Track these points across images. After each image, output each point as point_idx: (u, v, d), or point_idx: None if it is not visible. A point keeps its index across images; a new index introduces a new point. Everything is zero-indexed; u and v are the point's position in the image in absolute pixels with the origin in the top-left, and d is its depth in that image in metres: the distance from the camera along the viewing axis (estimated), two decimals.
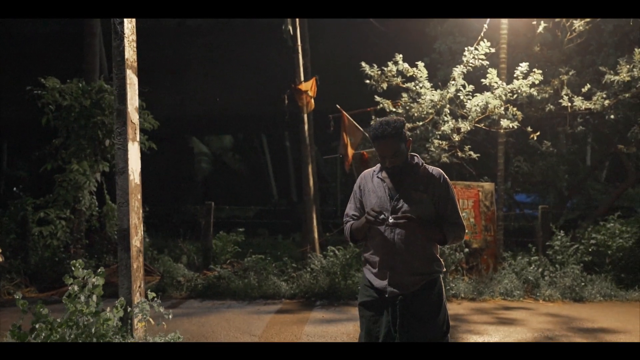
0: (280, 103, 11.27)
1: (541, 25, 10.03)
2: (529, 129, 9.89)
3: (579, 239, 10.17)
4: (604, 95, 9.88)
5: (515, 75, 9.63)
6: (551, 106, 10.38)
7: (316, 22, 11.81)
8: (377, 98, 10.12)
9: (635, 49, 9.65)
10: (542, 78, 9.62)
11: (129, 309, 5.04)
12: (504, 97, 9.60)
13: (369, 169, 3.72)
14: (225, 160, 32.19)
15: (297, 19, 10.69)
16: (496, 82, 9.60)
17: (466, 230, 3.77)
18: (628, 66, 9.66)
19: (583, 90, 9.90)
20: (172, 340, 5.07)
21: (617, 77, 9.73)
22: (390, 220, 3.31)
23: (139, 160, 5.36)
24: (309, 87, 10.41)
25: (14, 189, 11.16)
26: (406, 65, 9.89)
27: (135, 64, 5.35)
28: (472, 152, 10.11)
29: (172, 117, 14.44)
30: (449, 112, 9.99)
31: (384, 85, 10.01)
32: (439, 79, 11.65)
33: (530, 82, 9.54)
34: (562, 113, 10.65)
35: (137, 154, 5.31)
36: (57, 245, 9.53)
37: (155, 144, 10.22)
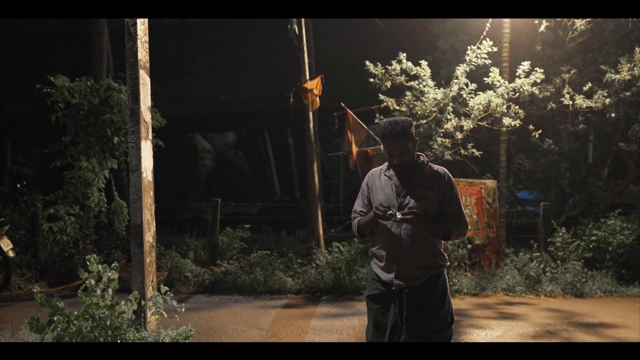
0: (284, 101, 11.41)
1: (543, 24, 10.15)
2: (531, 127, 10.03)
3: (580, 235, 10.31)
4: (605, 94, 10.01)
5: (517, 74, 9.76)
6: (553, 104, 10.52)
7: (319, 20, 11.94)
8: (381, 96, 10.25)
9: (636, 48, 9.78)
10: (543, 77, 9.74)
11: (143, 302, 5.19)
12: (506, 96, 9.73)
13: (377, 168, 3.86)
14: (228, 157, 32.35)
15: (303, 19, 10.82)
16: (498, 81, 9.73)
17: (469, 227, 3.92)
18: (629, 65, 9.80)
19: (584, 88, 10.04)
20: (184, 333, 5.22)
21: (617, 76, 9.87)
22: (398, 216, 3.46)
23: (151, 158, 5.51)
24: (314, 85, 10.55)
25: (18, 185, 11.32)
26: (410, 64, 10.02)
27: (148, 65, 5.49)
28: (474, 150, 10.24)
29: (176, 115, 14.53)
30: (452, 110, 10.12)
31: (388, 84, 10.14)
32: (441, 77, 11.78)
33: (532, 81, 9.67)
34: (563, 111, 10.78)
35: (149, 152, 5.46)
36: (67, 241, 9.68)
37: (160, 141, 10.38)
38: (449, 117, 10.02)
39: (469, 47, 9.93)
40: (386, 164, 3.78)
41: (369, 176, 3.86)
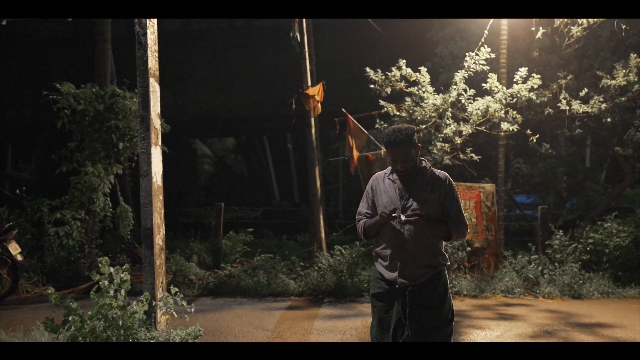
0: (284, 106, 11.58)
1: (540, 30, 10.34)
2: (529, 131, 10.22)
3: (577, 238, 10.48)
4: (601, 99, 10.20)
5: (514, 80, 9.96)
6: (550, 109, 10.71)
7: (318, 26, 12.12)
8: (382, 102, 10.44)
9: (631, 54, 9.99)
10: (540, 82, 9.94)
11: (154, 302, 5.35)
12: (504, 101, 9.93)
13: (380, 172, 4.05)
14: (227, 162, 32.50)
15: (304, 26, 11.01)
16: (496, 87, 9.93)
17: (468, 230, 4.10)
18: (624, 71, 10.00)
19: (581, 94, 10.23)
20: (193, 333, 5.39)
21: (613, 82, 10.06)
22: (402, 218, 3.66)
23: (160, 164, 5.68)
24: (316, 91, 10.72)
25: (17, 191, 11.47)
26: (409, 70, 10.21)
27: (157, 73, 5.67)
28: (473, 154, 10.43)
29: (176, 120, 14.70)
30: (451, 115, 10.32)
31: (388, 90, 10.34)
32: (440, 83, 11.97)
33: (529, 87, 9.86)
34: (560, 116, 10.95)
35: (159, 158, 5.64)
36: (73, 245, 9.83)
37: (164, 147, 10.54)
38: (448, 122, 10.21)
39: (467, 54, 10.13)
40: (389, 168, 3.97)
41: (373, 180, 4.05)
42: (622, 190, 13.89)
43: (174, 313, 5.38)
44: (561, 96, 10.39)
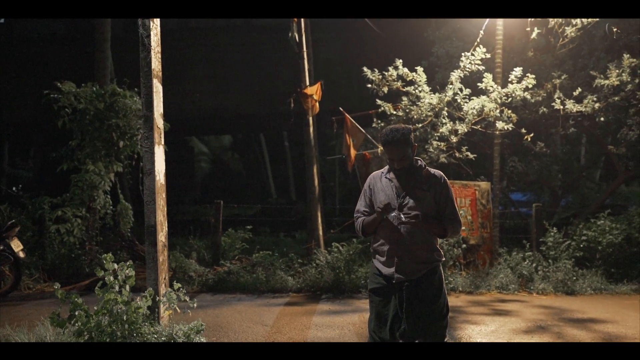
0: (281, 104, 11.70)
1: (535, 31, 10.48)
2: (523, 130, 10.36)
3: (570, 235, 10.64)
4: (595, 99, 10.36)
5: (510, 80, 10.10)
6: (544, 109, 10.87)
7: (315, 26, 12.23)
8: (379, 102, 10.57)
9: (624, 55, 10.15)
10: (535, 82, 10.08)
11: (158, 298, 5.49)
12: (499, 101, 10.07)
13: (378, 171, 4.20)
14: (224, 159, 32.61)
15: (303, 26, 11.14)
16: (492, 86, 10.07)
17: (463, 227, 4.26)
18: (617, 71, 10.17)
19: (575, 93, 10.38)
20: (195, 328, 5.52)
21: (607, 81, 10.22)
22: (403, 218, 3.80)
23: (163, 162, 5.80)
24: (314, 91, 10.85)
25: (13, 188, 11.56)
26: (406, 70, 10.34)
27: (160, 74, 5.79)
28: (469, 153, 10.57)
29: (173, 118, 14.77)
30: (446, 114, 10.47)
31: (385, 89, 10.46)
32: (436, 82, 12.09)
33: (524, 86, 10.01)
34: (555, 115, 11.12)
35: (162, 156, 5.76)
36: (74, 242, 9.94)
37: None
38: (444, 121, 10.35)
39: (463, 54, 10.26)
40: (387, 167, 4.11)
41: (371, 178, 4.20)
42: (616, 188, 14.06)
43: (177, 308, 5.51)
44: (555, 95, 10.54)
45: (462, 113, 10.34)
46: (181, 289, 5.48)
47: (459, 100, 10.26)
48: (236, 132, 31.16)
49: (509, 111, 10.19)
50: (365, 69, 10.44)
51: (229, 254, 10.80)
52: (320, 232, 11.06)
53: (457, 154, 10.64)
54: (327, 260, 9.55)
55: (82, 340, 4.89)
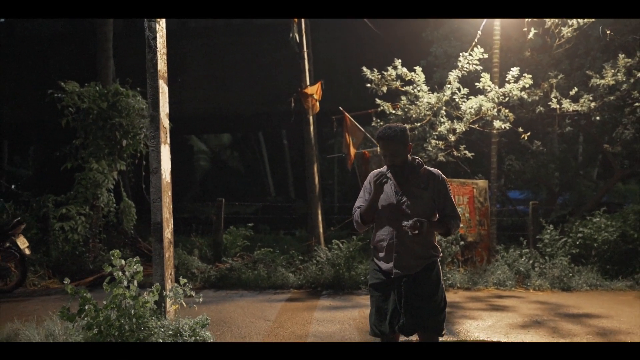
0: (282, 103, 11.84)
1: (532, 31, 10.64)
2: (520, 129, 10.53)
3: (567, 232, 10.81)
4: (591, 98, 10.52)
5: (507, 79, 10.26)
6: (541, 108, 11.04)
7: (315, 25, 12.36)
8: (378, 101, 10.73)
9: (620, 55, 10.31)
10: (532, 82, 10.24)
11: (164, 293, 5.64)
12: (496, 100, 10.23)
13: (378, 169, 4.35)
14: (223, 158, 32.71)
15: (303, 27, 11.28)
16: (489, 86, 10.23)
17: (461, 225, 4.42)
18: (613, 71, 10.34)
19: (571, 93, 10.53)
20: (201, 322, 5.67)
21: (602, 81, 10.39)
22: (409, 224, 3.94)
23: (169, 161, 5.95)
24: (314, 90, 11.01)
25: (12, 186, 11.71)
26: (405, 69, 10.49)
27: (166, 75, 5.94)
28: (467, 152, 10.74)
29: (173, 116, 14.93)
30: (445, 113, 10.62)
31: (384, 89, 10.62)
32: (435, 81, 12.24)
33: (521, 86, 10.16)
34: (551, 114, 11.27)
35: (167, 155, 5.91)
36: (77, 240, 10.09)
37: None
38: (442, 120, 10.51)
39: (461, 54, 10.42)
40: (385, 166, 4.27)
41: (371, 176, 4.35)
42: (612, 186, 14.23)
43: (183, 303, 5.66)
44: (552, 95, 10.71)
45: (460, 112, 10.50)
46: (187, 284, 5.63)
47: (457, 100, 10.41)
48: (235, 131, 31.24)
49: (507, 110, 10.35)
50: (364, 68, 10.59)
51: (230, 251, 10.95)
52: (321, 230, 11.22)
53: (455, 153, 10.80)
54: (327, 257, 9.71)
55: (91, 334, 5.04)
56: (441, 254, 4.34)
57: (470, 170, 12.10)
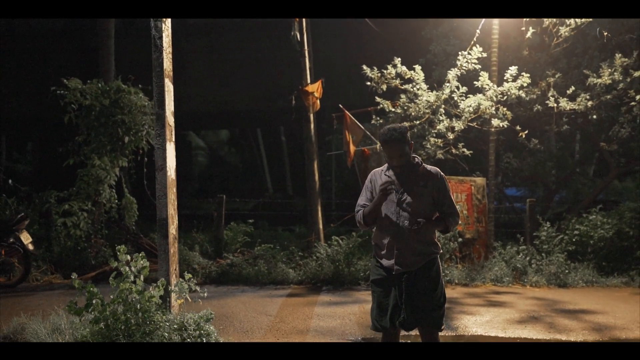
0: (280, 100, 11.93)
1: (530, 30, 10.74)
2: (518, 127, 10.64)
3: (563, 230, 10.93)
4: (588, 97, 10.64)
5: (505, 78, 10.37)
6: (539, 106, 11.16)
7: (314, 22, 12.41)
8: (378, 99, 10.83)
9: (617, 54, 10.44)
10: (530, 81, 10.35)
11: (170, 288, 5.75)
12: (494, 98, 10.35)
13: (378, 168, 4.47)
14: (221, 154, 32.80)
15: (304, 25, 11.37)
16: (488, 84, 10.34)
17: (460, 222, 4.53)
18: (610, 70, 10.46)
19: (568, 91, 10.64)
20: (205, 316, 5.78)
21: (599, 80, 10.51)
22: (414, 227, 4.06)
23: (174, 158, 6.05)
24: (315, 88, 11.10)
25: (10, 181, 11.78)
26: (404, 68, 10.60)
27: (171, 73, 6.03)
28: (465, 149, 10.86)
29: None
30: (444, 112, 10.73)
31: (384, 87, 10.72)
32: (434, 79, 12.35)
33: (519, 85, 10.27)
34: (549, 113, 11.39)
35: (173, 153, 6.00)
36: (80, 235, 10.17)
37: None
38: (441, 118, 10.63)
39: (460, 53, 10.52)
40: (386, 165, 4.39)
41: (372, 174, 4.47)
42: (608, 183, 14.37)
43: (188, 298, 5.78)
44: (549, 94, 10.83)
45: (458, 110, 10.61)
46: (192, 279, 5.74)
47: (455, 98, 10.52)
48: (233, 127, 31.34)
49: (505, 109, 10.47)
50: (364, 67, 10.69)
51: (231, 247, 11.05)
52: (321, 226, 11.34)
53: (453, 150, 10.91)
54: (327, 253, 9.81)
55: (97, 328, 5.14)
56: (441, 251, 4.46)
57: (468, 167, 12.22)
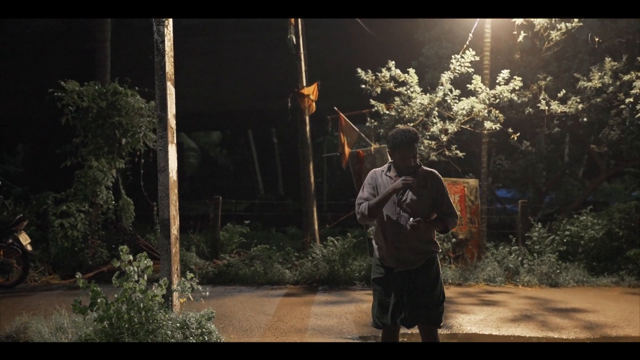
0: (279, 102, 12.02)
1: (522, 34, 10.92)
2: (510, 130, 10.85)
3: (554, 230, 11.11)
4: (578, 100, 10.82)
5: (497, 81, 10.54)
6: (530, 109, 11.33)
7: (308, 23, 12.49)
8: (372, 102, 10.98)
9: (606, 58, 10.64)
10: (521, 84, 10.52)
11: (172, 287, 5.86)
12: (487, 101, 10.52)
13: (377, 168, 4.58)
14: (212, 155, 32.81)
15: (300, 28, 11.49)
16: (480, 88, 10.51)
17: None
18: (599, 73, 10.65)
19: (559, 95, 10.84)
20: (206, 315, 5.89)
21: (589, 84, 10.70)
22: (409, 225, 4.18)
23: (175, 160, 6.15)
24: (311, 91, 11.24)
25: None
26: (398, 71, 10.75)
27: (173, 77, 6.14)
28: (458, 151, 11.01)
29: None
30: (437, 114, 10.89)
31: (378, 90, 10.88)
32: (427, 82, 12.47)
33: (511, 88, 10.45)
34: (540, 115, 11.55)
35: (174, 154, 6.11)
36: (77, 236, 10.25)
37: None
38: (434, 120, 10.78)
39: (453, 56, 10.68)
40: (386, 165, 4.50)
41: (373, 173, 4.55)
42: (598, 185, 14.58)
43: (190, 297, 5.88)
44: (541, 97, 11.02)
45: (452, 113, 10.76)
46: (194, 279, 5.86)
47: (449, 101, 10.68)
48: (225, 129, 31.37)
49: (497, 111, 10.64)
50: (359, 70, 10.83)
51: (227, 248, 11.16)
52: (316, 227, 11.47)
53: (446, 152, 11.05)
54: (322, 253, 9.94)
55: (101, 326, 5.24)
56: (440, 250, 4.59)
57: (461, 169, 12.36)
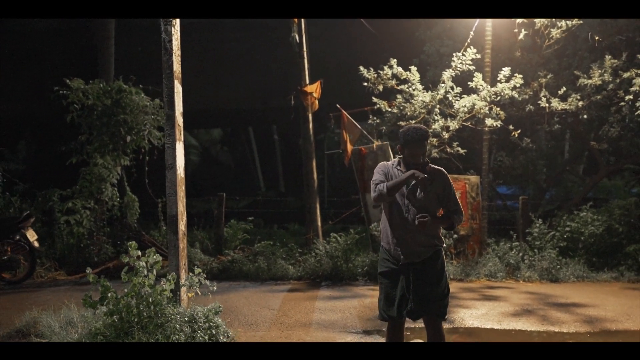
0: (276, 99, 12.11)
1: (522, 32, 11.01)
2: (511, 127, 10.94)
3: (555, 226, 11.21)
4: (578, 97, 10.92)
5: (498, 79, 10.64)
6: (531, 106, 11.43)
7: (309, 25, 12.57)
8: (375, 99, 11.09)
9: (606, 56, 10.73)
10: (522, 81, 10.64)
11: (181, 282, 5.97)
12: (488, 99, 10.62)
13: (387, 162, 4.71)
14: (213, 152, 32.88)
15: (303, 27, 11.58)
16: (481, 85, 10.61)
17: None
18: (599, 71, 10.74)
19: (560, 92, 10.93)
20: (214, 309, 6.01)
21: (590, 81, 10.79)
22: (416, 222, 4.29)
23: (183, 157, 6.27)
24: (314, 89, 11.33)
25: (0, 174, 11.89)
26: (400, 69, 10.86)
27: (180, 75, 6.25)
28: (459, 148, 11.12)
29: None
30: (439, 111, 10.98)
31: (380, 87, 10.99)
32: (428, 80, 12.54)
33: (512, 85, 10.55)
34: (540, 112, 11.64)
35: (182, 152, 6.23)
36: (82, 233, 10.36)
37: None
38: (436, 118, 10.88)
39: (454, 54, 10.78)
40: (396, 159, 4.63)
41: (383, 164, 4.67)
42: (598, 182, 14.66)
43: (198, 291, 6.00)
44: (541, 94, 11.11)
45: (453, 110, 10.87)
46: (202, 274, 5.97)
47: (450, 98, 10.78)
48: (226, 126, 31.42)
49: (498, 109, 10.74)
50: (361, 68, 10.93)
51: (231, 244, 11.26)
52: (319, 223, 11.59)
53: (448, 149, 11.15)
54: (326, 249, 10.06)
55: (111, 320, 5.35)
56: (445, 244, 4.70)
57: (462, 166, 12.46)
